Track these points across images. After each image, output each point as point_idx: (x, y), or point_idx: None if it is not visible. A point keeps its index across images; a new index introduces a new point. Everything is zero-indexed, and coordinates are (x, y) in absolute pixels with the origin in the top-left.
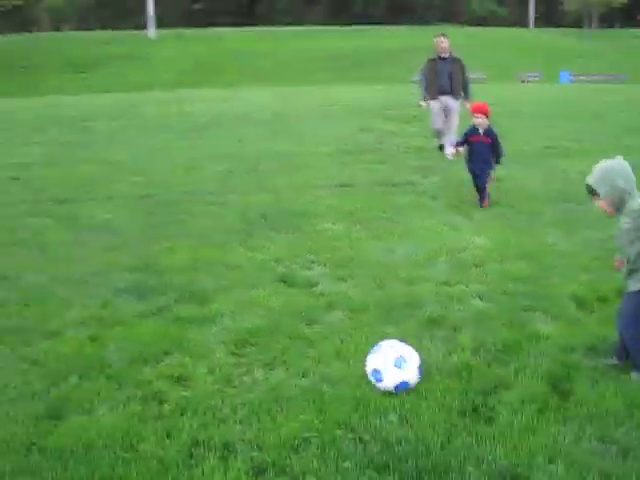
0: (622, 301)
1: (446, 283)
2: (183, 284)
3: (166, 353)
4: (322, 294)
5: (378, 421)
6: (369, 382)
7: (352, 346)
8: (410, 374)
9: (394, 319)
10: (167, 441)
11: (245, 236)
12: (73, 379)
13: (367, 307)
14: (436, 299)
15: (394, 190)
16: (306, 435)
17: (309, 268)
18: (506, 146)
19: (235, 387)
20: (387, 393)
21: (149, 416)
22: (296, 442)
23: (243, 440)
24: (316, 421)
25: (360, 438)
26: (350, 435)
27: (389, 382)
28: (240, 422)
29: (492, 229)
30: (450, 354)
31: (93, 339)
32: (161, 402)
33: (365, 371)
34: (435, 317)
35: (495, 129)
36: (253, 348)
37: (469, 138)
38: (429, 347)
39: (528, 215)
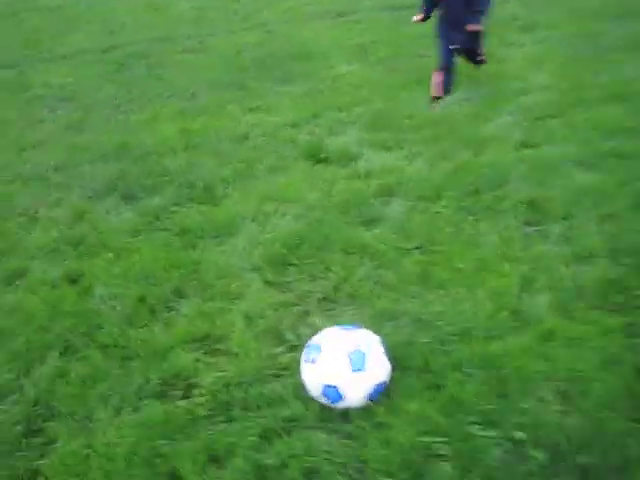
0: None
1: (525, 145)
2: (178, 171)
3: (169, 304)
4: (369, 173)
5: None
6: (323, 404)
7: (442, 260)
8: (381, 368)
9: (479, 209)
10: None
11: (241, 91)
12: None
13: (439, 190)
14: (525, 173)
15: (407, 16)
16: None
17: (340, 132)
18: None
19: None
20: None
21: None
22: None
23: None
24: None
25: None
26: None
27: (356, 396)
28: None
29: (550, 59)
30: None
31: (76, 291)
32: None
33: (307, 390)
34: (533, 198)
35: None
36: (296, 270)
37: None
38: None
39: (585, 38)
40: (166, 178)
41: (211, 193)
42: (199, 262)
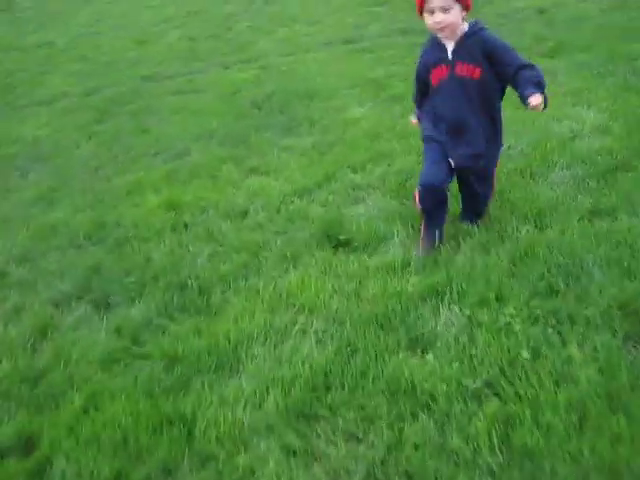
0: None
1: (596, 212)
2: (165, 264)
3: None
4: (407, 264)
5: None
6: None
7: (525, 412)
8: None
9: (560, 319)
10: None
11: (238, 145)
12: None
13: (502, 289)
14: (607, 257)
15: (420, 42)
16: None
17: (360, 200)
18: None
19: None
20: None
21: None
22: None
23: None
24: None
25: None
26: None
27: None
28: None
29: (592, 90)
30: None
31: (28, 467)
32: None
33: None
34: (626, 298)
35: (489, 31)
36: (326, 427)
37: (427, 76)
38: None
39: (624, 61)
40: (149, 274)
41: (206, 298)
42: (194, 419)
